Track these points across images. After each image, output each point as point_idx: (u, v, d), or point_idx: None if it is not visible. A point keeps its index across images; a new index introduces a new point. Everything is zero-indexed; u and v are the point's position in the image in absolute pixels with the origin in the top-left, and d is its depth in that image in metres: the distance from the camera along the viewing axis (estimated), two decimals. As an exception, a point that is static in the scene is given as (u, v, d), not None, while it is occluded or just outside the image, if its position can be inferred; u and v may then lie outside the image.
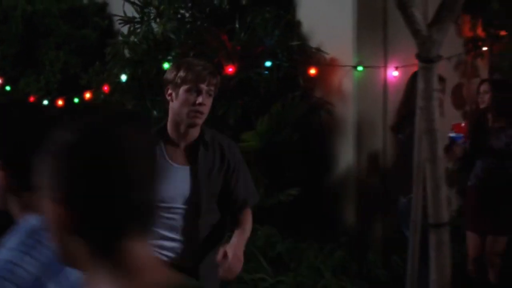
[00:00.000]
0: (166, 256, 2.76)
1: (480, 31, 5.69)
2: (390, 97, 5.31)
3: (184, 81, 2.73)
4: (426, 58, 3.78)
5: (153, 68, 5.73)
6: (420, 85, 3.88)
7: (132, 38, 6.02)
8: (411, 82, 4.48)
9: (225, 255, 2.66)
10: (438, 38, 3.73)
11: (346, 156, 5.26)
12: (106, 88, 6.23)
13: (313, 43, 5.49)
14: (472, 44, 5.66)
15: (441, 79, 4.55)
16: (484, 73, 5.87)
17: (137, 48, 5.89)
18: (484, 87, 4.87)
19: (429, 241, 3.32)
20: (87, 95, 6.45)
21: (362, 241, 5.15)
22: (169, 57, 5.65)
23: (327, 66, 5.32)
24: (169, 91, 2.79)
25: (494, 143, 4.68)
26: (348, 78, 5.25)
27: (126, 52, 6.08)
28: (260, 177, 4.86)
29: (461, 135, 4.61)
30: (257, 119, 5.13)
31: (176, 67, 2.81)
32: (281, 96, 5.23)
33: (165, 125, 2.86)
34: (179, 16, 5.85)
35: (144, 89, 5.85)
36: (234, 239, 2.76)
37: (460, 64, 5.72)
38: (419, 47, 3.79)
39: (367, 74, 5.25)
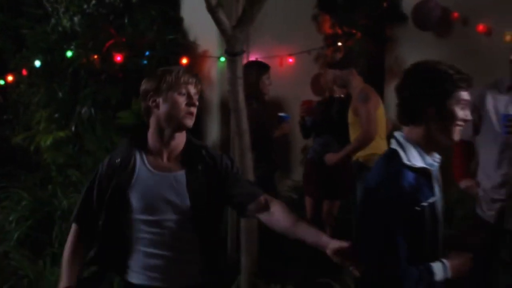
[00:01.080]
0: (151, 277, 2.62)
1: (337, 29, 6.61)
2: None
3: (174, 85, 2.65)
4: (232, 53, 4.73)
5: (60, 56, 6.72)
6: (227, 74, 4.85)
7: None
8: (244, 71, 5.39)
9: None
10: (240, 37, 4.70)
11: (212, 132, 6.23)
12: (24, 72, 7.22)
13: (191, 36, 6.45)
14: (331, 40, 6.57)
15: (265, 67, 5.45)
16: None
17: (48, 38, 6.87)
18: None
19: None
20: (9, 78, 7.44)
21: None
22: (72, 47, 6.64)
23: (199, 56, 6.27)
24: (153, 99, 2.69)
25: None
26: (215, 67, 6.20)
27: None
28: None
29: (289, 115, 5.52)
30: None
31: (159, 75, 2.71)
32: (158, 82, 6.18)
33: (143, 135, 2.78)
34: (87, 11, 6.83)
35: (53, 74, 6.84)
36: (324, 237, 2.37)
37: (319, 57, 6.64)
38: (226, 44, 4.75)
39: (241, 64, 6.19)
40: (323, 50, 6.61)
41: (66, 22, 6.74)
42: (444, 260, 2.38)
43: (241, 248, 4.76)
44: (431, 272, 2.33)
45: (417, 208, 2.29)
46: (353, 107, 4.92)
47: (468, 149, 3.95)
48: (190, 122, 2.66)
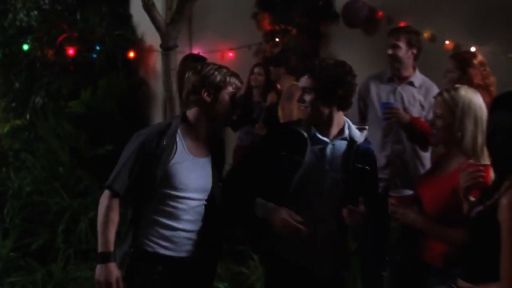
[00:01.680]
0: (164, 247, 2.94)
1: (276, 26, 7.13)
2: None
3: (228, 86, 2.99)
4: (166, 47, 5.27)
5: (17, 49, 7.19)
6: (162, 66, 5.39)
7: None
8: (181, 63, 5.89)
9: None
10: (173, 34, 5.24)
11: (156, 120, 6.75)
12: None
13: (139, 32, 6.95)
14: (269, 36, 7.09)
15: (201, 59, 5.92)
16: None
17: (5, 32, 7.33)
18: (258, 70, 6.18)
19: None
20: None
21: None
22: (28, 41, 7.11)
23: (145, 51, 6.78)
24: (207, 91, 2.98)
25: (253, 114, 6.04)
26: (159, 60, 6.69)
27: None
28: (82, 134, 6.36)
29: None
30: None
31: (224, 74, 3.00)
32: (107, 74, 6.70)
33: (185, 117, 3.07)
34: (43, 7, 7.30)
35: (11, 66, 7.31)
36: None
37: (259, 52, 7.16)
38: (161, 39, 5.29)
39: (176, 57, 6.70)
40: (262, 46, 7.13)
41: (23, 17, 7.20)
42: (270, 204, 2.94)
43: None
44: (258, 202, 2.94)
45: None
46: (281, 105, 5.38)
47: None
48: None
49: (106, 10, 6.92)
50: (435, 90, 4.26)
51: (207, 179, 3.03)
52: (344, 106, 3.01)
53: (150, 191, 2.93)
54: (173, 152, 2.95)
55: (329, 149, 3.00)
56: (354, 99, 3.36)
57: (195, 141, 3.03)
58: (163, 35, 5.07)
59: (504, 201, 2.23)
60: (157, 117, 6.76)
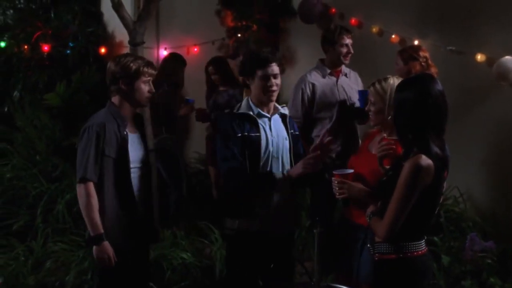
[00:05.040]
0: None
1: (238, 22, 7.63)
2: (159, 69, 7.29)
3: (142, 75, 3.51)
4: (133, 44, 5.71)
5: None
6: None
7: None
8: (164, 61, 6.40)
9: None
10: (140, 31, 5.68)
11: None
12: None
13: (110, 29, 7.42)
14: (232, 32, 7.60)
15: (183, 62, 6.45)
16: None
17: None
18: (211, 69, 6.53)
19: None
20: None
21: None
22: (5, 38, 7.55)
23: (115, 46, 7.26)
24: (124, 81, 3.47)
25: (219, 100, 6.51)
26: (129, 55, 7.18)
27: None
28: (57, 124, 6.81)
29: (193, 98, 6.51)
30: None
31: (138, 64, 3.51)
32: (80, 69, 7.17)
33: (112, 104, 3.55)
34: (18, 6, 7.73)
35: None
36: None
37: (222, 47, 7.66)
38: (129, 36, 5.73)
39: (144, 52, 7.17)
40: (224, 41, 7.64)
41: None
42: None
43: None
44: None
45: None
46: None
47: None
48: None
49: (79, 8, 7.38)
50: (357, 75, 5.20)
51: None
52: None
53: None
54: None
55: (272, 121, 3.63)
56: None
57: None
58: (131, 32, 5.51)
59: (406, 164, 2.80)
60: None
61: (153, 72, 3.58)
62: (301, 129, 5.05)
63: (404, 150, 2.98)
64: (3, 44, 7.47)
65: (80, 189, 3.41)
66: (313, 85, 5.01)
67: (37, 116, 6.94)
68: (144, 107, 4.02)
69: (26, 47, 7.26)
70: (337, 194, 3.29)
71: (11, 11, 7.60)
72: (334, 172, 3.31)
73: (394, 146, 3.25)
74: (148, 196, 3.70)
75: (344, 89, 5.10)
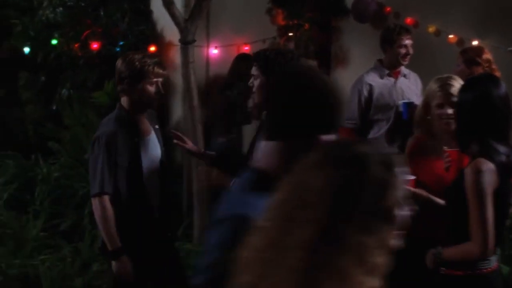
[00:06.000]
0: None
1: (289, 21, 7.47)
2: (211, 68, 7.17)
3: (148, 76, 3.47)
4: (184, 42, 5.62)
5: (44, 44, 7.61)
6: (181, 59, 5.73)
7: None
8: (233, 62, 6.27)
9: None
10: (191, 29, 5.59)
11: (177, 112, 7.13)
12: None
13: (159, 28, 7.33)
14: (283, 30, 7.44)
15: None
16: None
17: (35, 28, 7.74)
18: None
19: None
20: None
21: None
22: (55, 36, 7.52)
23: (165, 45, 7.15)
24: (129, 81, 3.49)
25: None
26: (178, 54, 7.05)
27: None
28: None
29: None
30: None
31: (147, 64, 3.43)
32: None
33: (121, 106, 3.68)
34: (68, 4, 7.70)
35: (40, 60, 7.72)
36: None
37: (273, 46, 7.49)
38: (180, 34, 5.63)
39: (194, 51, 7.06)
40: (276, 40, 7.48)
41: (49, 14, 7.61)
42: None
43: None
44: None
45: None
46: None
47: None
48: None
49: (128, 6, 7.30)
50: (417, 77, 4.99)
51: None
52: None
53: None
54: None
55: None
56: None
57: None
58: (182, 30, 5.41)
59: (467, 170, 2.59)
60: (176, 106, 7.13)
61: (162, 72, 3.38)
62: (357, 131, 4.87)
63: (464, 154, 2.82)
64: (54, 42, 7.44)
65: (95, 202, 3.32)
66: (371, 86, 4.82)
67: (85, 114, 6.90)
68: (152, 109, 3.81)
69: (76, 45, 7.21)
70: None
71: (61, 9, 7.56)
72: None
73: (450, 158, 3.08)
74: (164, 196, 3.62)
75: (403, 91, 4.88)
